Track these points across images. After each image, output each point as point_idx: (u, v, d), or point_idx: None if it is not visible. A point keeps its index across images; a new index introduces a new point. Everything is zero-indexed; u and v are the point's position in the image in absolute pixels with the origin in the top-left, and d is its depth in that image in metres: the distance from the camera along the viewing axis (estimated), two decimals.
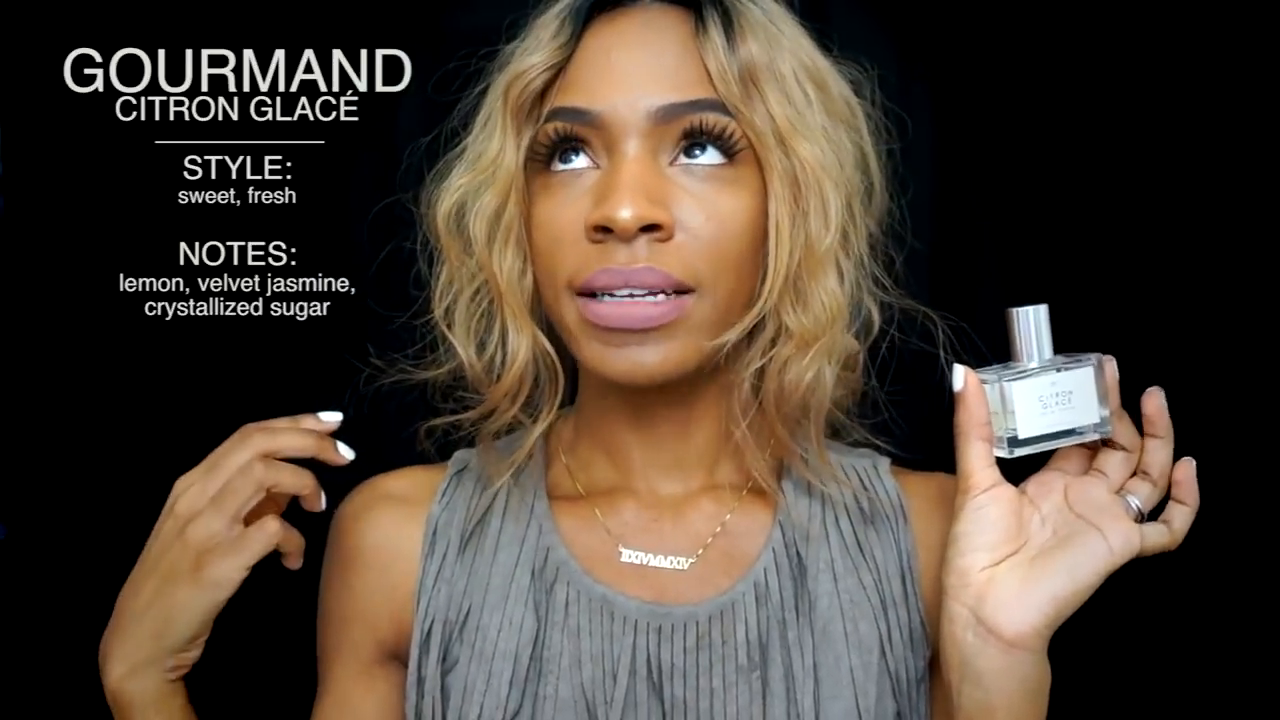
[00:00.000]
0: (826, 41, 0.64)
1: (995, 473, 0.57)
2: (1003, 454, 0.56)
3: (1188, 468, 0.56)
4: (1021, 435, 0.55)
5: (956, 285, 0.93)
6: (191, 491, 0.59)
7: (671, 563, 0.64)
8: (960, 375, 0.57)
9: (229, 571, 0.57)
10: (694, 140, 0.58)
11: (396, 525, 0.67)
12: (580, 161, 0.59)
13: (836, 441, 0.70)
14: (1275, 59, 0.91)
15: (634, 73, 0.57)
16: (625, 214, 0.55)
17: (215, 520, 0.57)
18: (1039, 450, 0.56)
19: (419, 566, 0.65)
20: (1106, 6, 0.93)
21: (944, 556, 0.57)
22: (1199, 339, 0.93)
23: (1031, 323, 0.56)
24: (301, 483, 0.59)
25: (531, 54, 0.60)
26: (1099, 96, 0.94)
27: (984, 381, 0.56)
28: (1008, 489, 0.57)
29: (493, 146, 0.61)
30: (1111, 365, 0.57)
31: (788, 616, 0.62)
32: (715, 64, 0.57)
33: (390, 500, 0.68)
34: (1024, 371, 0.55)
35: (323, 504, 0.60)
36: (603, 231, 0.57)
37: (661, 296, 0.57)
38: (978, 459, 0.56)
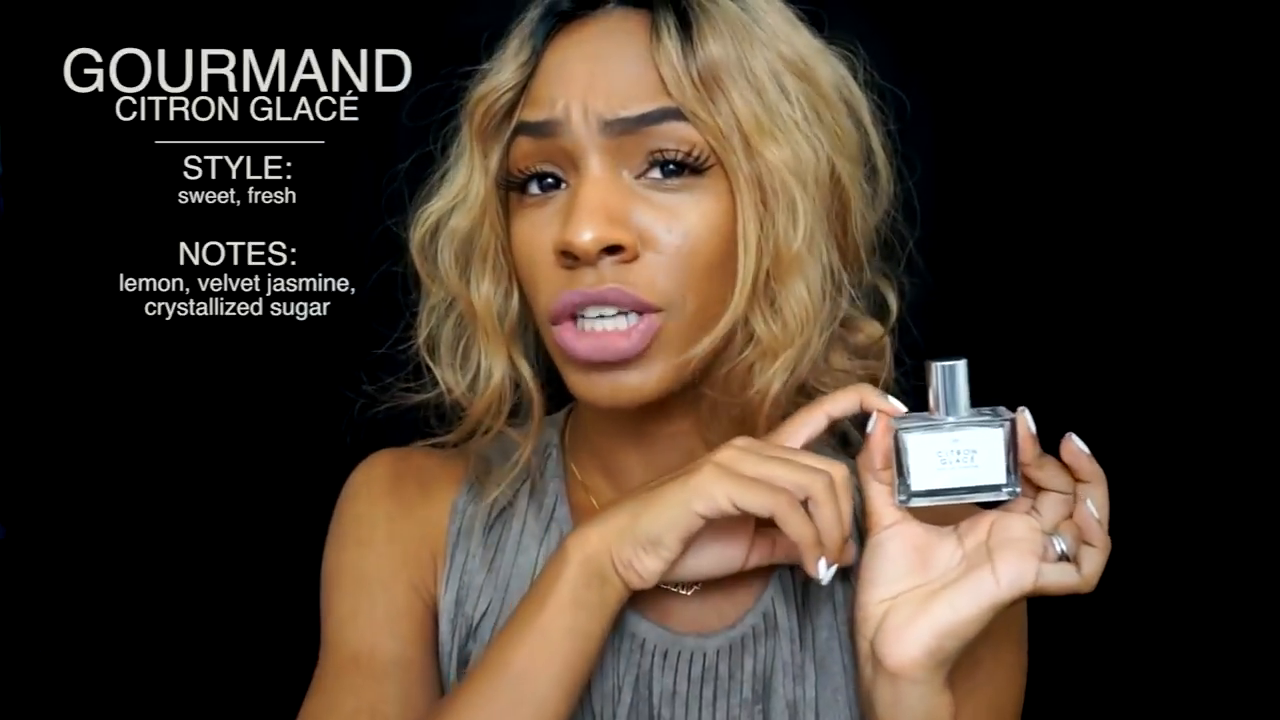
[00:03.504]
0: (816, 26, 0.62)
1: (897, 510, 0.56)
2: (900, 502, 0.56)
3: (1082, 510, 0.53)
4: (915, 487, 0.55)
5: (956, 272, 0.93)
6: (757, 443, 0.55)
7: (676, 587, 0.63)
8: (873, 421, 0.56)
9: (715, 491, 0.52)
10: (664, 163, 0.56)
11: (428, 497, 0.67)
12: (555, 186, 0.58)
13: (845, 452, 0.68)
14: (1269, 57, 0.91)
15: (586, 82, 0.56)
16: (585, 237, 0.54)
17: (749, 463, 0.53)
18: (939, 503, 0.55)
19: (445, 549, 0.65)
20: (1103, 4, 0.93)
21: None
22: (1195, 323, 0.93)
23: (945, 377, 0.55)
24: (824, 531, 0.53)
25: (496, 74, 0.59)
26: (1096, 92, 0.94)
27: (897, 427, 0.55)
28: (911, 526, 0.56)
29: (462, 171, 0.61)
30: (1024, 419, 0.54)
31: (792, 648, 0.61)
32: (669, 71, 0.55)
33: (420, 475, 0.68)
34: (925, 424, 0.55)
35: (819, 573, 0.54)
36: (569, 256, 0.56)
37: (635, 317, 0.56)
38: (877, 498, 0.56)
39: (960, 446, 0.55)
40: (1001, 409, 0.56)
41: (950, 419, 0.55)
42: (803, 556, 0.53)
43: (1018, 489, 0.55)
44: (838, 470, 0.54)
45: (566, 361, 0.59)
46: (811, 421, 0.56)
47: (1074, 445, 0.53)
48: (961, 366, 0.55)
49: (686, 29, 0.56)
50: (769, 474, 0.53)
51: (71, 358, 0.98)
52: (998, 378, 0.61)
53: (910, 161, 0.66)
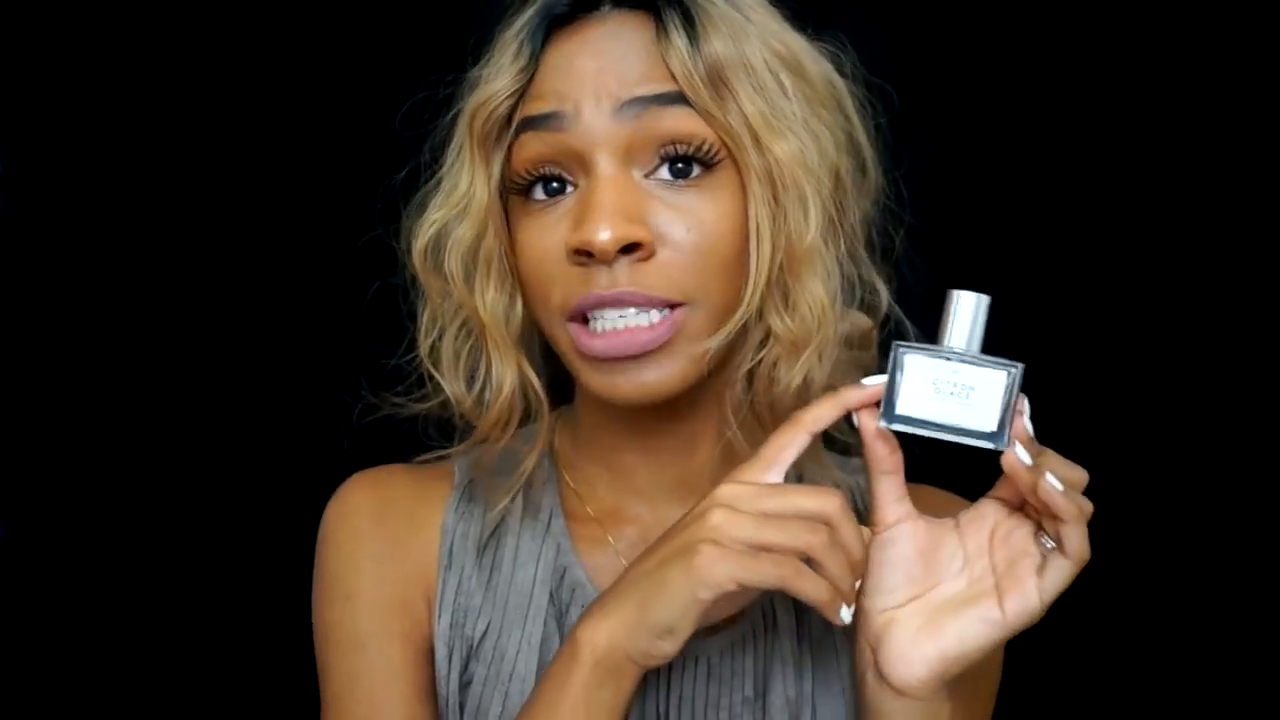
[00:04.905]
0: (801, 23, 0.62)
1: (903, 507, 0.55)
2: (880, 423, 0.53)
3: (1044, 486, 0.50)
4: (900, 410, 0.53)
5: (959, 263, 0.93)
6: (746, 491, 0.52)
7: None
8: (856, 419, 0.54)
9: (719, 575, 0.50)
10: (675, 159, 0.57)
11: (413, 524, 0.65)
12: (560, 190, 0.58)
13: (830, 451, 0.68)
14: (1264, 63, 0.91)
15: (595, 74, 0.56)
16: (603, 236, 0.54)
17: (745, 529, 0.51)
18: (922, 434, 0.53)
19: (437, 574, 0.64)
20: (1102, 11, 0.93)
21: None
22: (1195, 322, 0.94)
23: (962, 308, 0.53)
24: (835, 585, 0.51)
25: (493, 80, 0.58)
26: (1093, 89, 0.94)
27: (899, 347, 0.53)
28: (918, 524, 0.55)
29: (463, 179, 0.60)
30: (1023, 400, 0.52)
31: (789, 644, 0.62)
32: (680, 67, 0.56)
33: (402, 502, 0.66)
34: (928, 349, 0.53)
35: (842, 618, 0.52)
36: (583, 255, 0.55)
37: (655, 314, 0.56)
38: (883, 494, 0.55)
39: (960, 380, 0.52)
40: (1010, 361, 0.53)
41: (956, 350, 0.53)
42: (822, 613, 0.51)
43: (1005, 446, 0.52)
44: (832, 503, 0.51)
45: (582, 360, 0.58)
46: (794, 442, 0.54)
47: (1048, 487, 0.50)
48: (984, 302, 0.53)
49: (691, 27, 0.56)
50: (768, 540, 0.50)
51: (71, 358, 0.98)
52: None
53: (899, 154, 0.66)
